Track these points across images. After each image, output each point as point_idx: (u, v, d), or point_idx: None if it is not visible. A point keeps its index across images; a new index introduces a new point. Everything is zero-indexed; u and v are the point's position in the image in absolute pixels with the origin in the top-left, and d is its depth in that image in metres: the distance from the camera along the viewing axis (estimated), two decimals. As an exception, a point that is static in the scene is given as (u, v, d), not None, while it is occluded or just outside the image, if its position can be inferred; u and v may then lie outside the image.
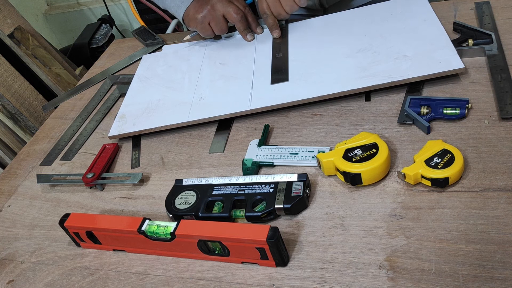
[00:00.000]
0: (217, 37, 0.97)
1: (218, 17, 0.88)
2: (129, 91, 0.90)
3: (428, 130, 0.66)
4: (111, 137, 0.80)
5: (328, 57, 0.81)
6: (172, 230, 0.57)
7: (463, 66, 0.70)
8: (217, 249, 0.57)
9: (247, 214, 0.60)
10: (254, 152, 0.70)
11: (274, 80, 0.79)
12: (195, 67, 0.91)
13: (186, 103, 0.81)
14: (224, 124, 0.78)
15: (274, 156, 0.69)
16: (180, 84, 0.87)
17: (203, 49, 0.95)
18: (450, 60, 0.71)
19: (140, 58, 1.01)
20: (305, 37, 0.88)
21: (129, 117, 0.83)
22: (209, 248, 0.57)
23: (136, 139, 0.81)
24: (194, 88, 0.85)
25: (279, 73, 0.80)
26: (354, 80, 0.74)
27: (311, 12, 1.05)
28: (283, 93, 0.76)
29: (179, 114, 0.79)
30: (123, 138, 0.81)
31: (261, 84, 0.80)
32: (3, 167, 1.32)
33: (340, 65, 0.78)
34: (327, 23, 0.90)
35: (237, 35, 0.95)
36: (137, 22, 2.05)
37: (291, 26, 0.92)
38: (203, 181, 0.65)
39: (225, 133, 0.77)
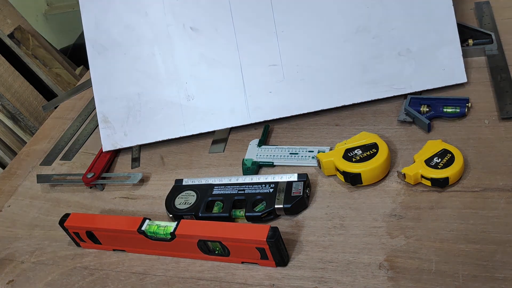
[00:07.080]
0: None
1: None
2: (92, 71, 0.77)
3: (429, 128, 0.66)
4: (106, 152, 0.77)
5: (324, 42, 0.74)
6: (172, 230, 0.57)
7: (465, 80, 0.71)
8: (217, 249, 0.57)
9: (247, 214, 0.60)
10: (254, 152, 0.70)
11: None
12: (160, 32, 0.76)
13: (174, 103, 0.76)
14: (224, 124, 0.78)
15: (274, 156, 0.69)
16: (154, 67, 0.76)
17: None
18: (453, 68, 0.72)
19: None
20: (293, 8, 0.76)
21: (114, 121, 0.77)
22: (209, 248, 0.57)
23: (136, 139, 0.81)
24: (174, 77, 0.76)
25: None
26: (356, 87, 0.72)
27: None
28: (282, 101, 0.74)
29: (173, 125, 0.76)
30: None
31: (254, 79, 0.74)
32: (3, 167, 1.32)
33: (338, 56, 0.73)
34: None
35: None
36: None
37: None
38: (203, 181, 0.65)
39: (225, 133, 0.77)
